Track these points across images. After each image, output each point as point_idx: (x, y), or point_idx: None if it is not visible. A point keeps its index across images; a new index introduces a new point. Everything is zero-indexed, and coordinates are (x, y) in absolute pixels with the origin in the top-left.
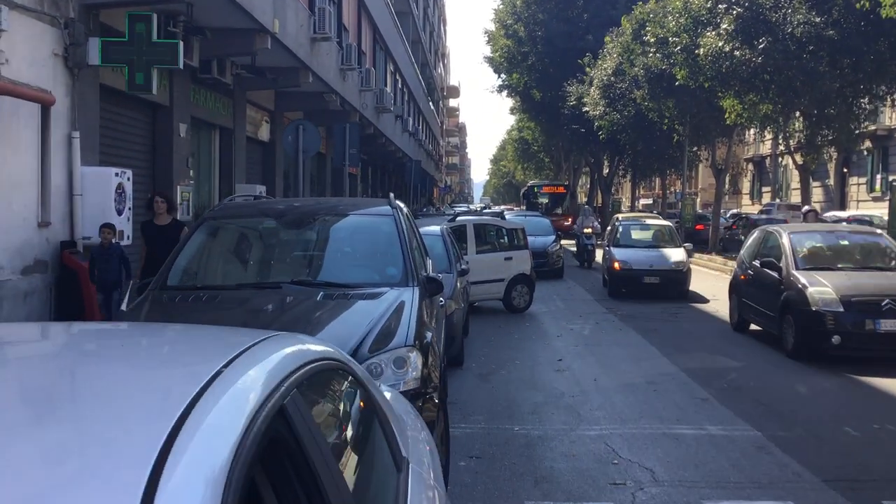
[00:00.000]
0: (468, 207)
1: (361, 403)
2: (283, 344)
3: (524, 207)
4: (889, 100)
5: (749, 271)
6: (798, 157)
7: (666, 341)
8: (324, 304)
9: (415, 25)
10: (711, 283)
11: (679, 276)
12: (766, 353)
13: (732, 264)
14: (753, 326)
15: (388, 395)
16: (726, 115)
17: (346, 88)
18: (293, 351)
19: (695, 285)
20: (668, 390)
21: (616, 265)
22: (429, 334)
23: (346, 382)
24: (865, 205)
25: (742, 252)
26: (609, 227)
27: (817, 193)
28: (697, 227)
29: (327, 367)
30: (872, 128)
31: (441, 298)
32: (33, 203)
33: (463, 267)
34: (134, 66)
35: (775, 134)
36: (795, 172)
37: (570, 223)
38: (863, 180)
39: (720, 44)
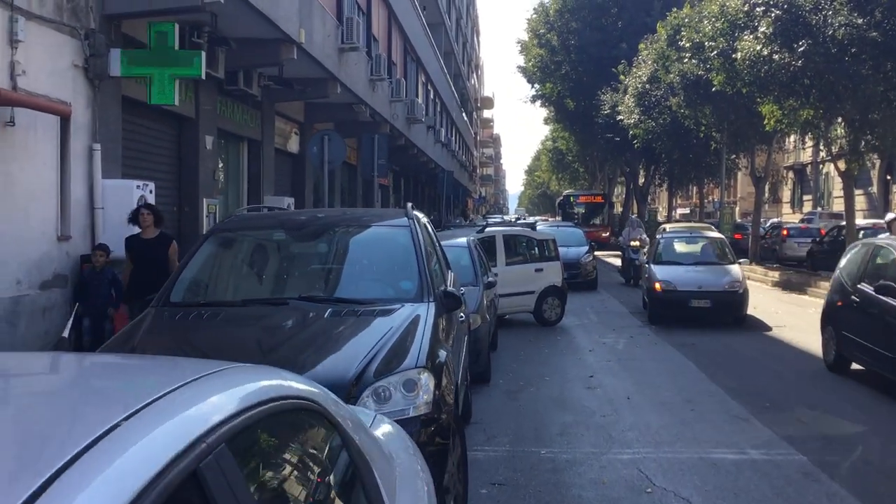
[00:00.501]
0: (502, 218)
1: (333, 450)
2: (225, 382)
3: (560, 218)
4: None
5: (853, 297)
6: (841, 164)
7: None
8: (331, 322)
9: (447, 36)
10: (762, 297)
11: (734, 298)
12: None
13: (773, 275)
14: (855, 365)
15: (382, 430)
16: (765, 122)
17: (376, 99)
18: (237, 391)
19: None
20: (707, 409)
21: (657, 286)
22: (443, 353)
23: (314, 427)
24: None
25: (839, 271)
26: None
27: (860, 201)
28: (736, 236)
29: (287, 408)
30: None
31: (461, 314)
32: (52, 216)
33: (490, 279)
34: (155, 76)
35: (816, 140)
36: (837, 180)
37: (608, 234)
38: None
39: (758, 47)
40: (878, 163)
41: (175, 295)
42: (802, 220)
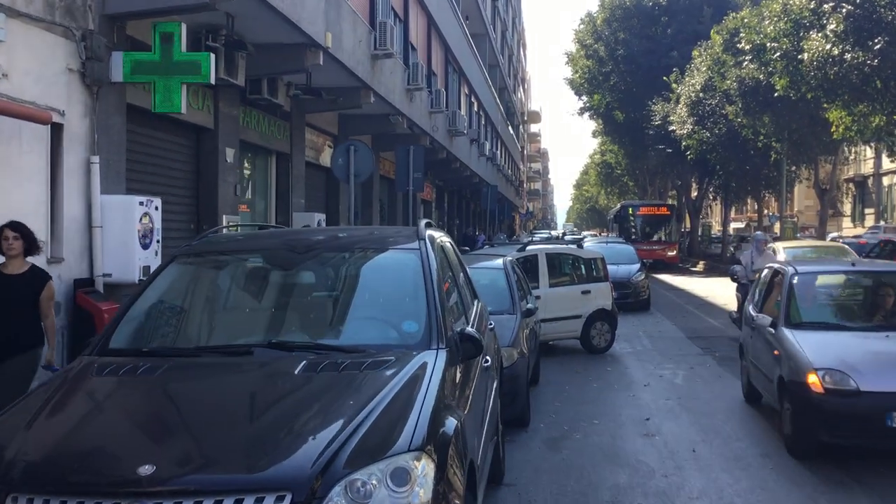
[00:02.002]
0: (549, 234)
1: None
2: None
3: (616, 233)
4: None
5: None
6: None
7: None
8: (301, 381)
9: (492, 49)
10: None
11: None
12: None
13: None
14: None
15: None
16: (833, 129)
17: (414, 110)
18: None
19: None
20: (790, 467)
21: (812, 379)
22: (451, 423)
23: None
24: None
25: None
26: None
27: None
28: None
29: None
30: None
31: (487, 358)
32: (41, 236)
33: (529, 306)
34: (159, 82)
35: (890, 148)
36: None
37: (675, 254)
38: None
39: (828, 47)
40: None
41: (117, 339)
42: (863, 235)
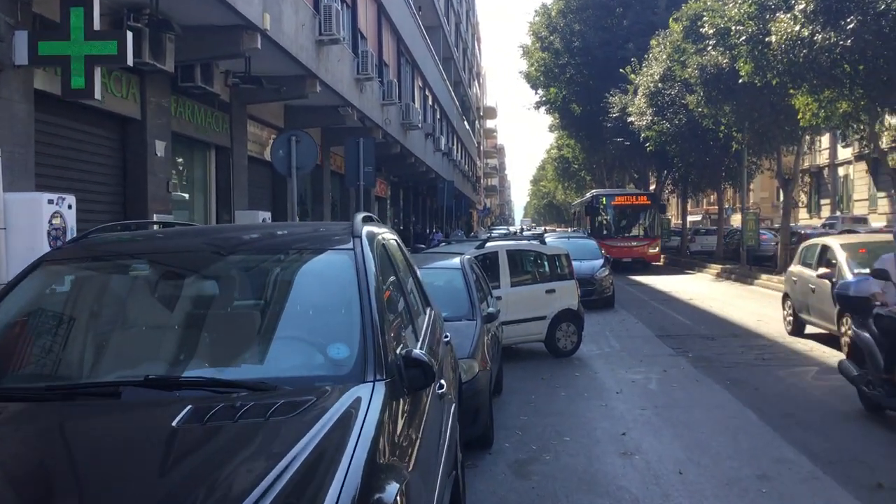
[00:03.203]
0: (507, 230)
1: None
2: None
3: (584, 228)
4: None
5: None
6: (891, 161)
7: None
8: (176, 440)
9: (446, 41)
10: None
11: None
12: None
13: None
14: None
15: None
16: (799, 116)
17: (365, 101)
18: None
19: None
20: (791, 492)
21: None
22: (392, 488)
23: None
24: None
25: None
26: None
27: (882, 204)
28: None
29: None
30: None
31: (442, 382)
32: None
33: (490, 310)
34: (70, 65)
35: (860, 135)
36: (858, 182)
37: (657, 251)
38: None
39: (796, 28)
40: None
41: None
42: (824, 225)
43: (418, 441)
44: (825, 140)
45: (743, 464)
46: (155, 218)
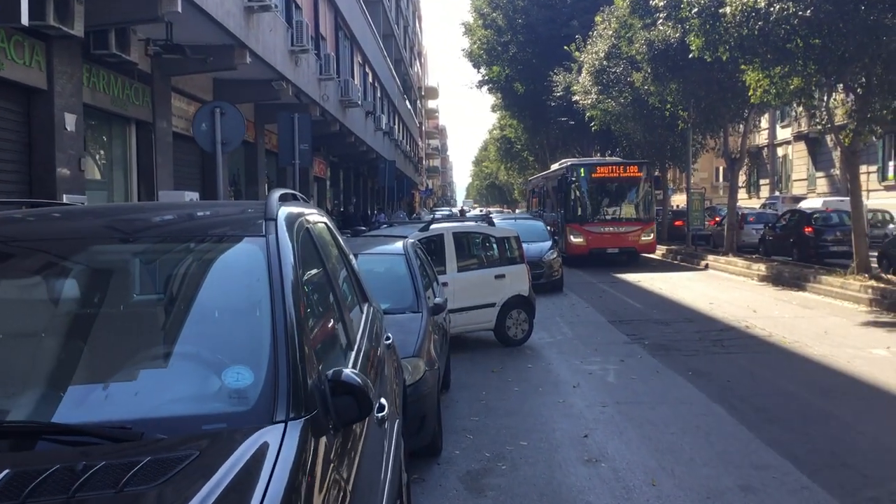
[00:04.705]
0: (450, 211)
1: None
2: None
3: (559, 208)
4: None
5: None
6: (846, 138)
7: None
8: None
9: (386, 18)
10: (756, 297)
11: None
12: None
13: (759, 268)
14: None
15: None
16: (750, 93)
17: (300, 76)
18: None
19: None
20: (778, 501)
21: None
22: None
23: None
24: (877, 195)
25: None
26: None
27: (821, 184)
28: (676, 223)
29: None
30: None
31: (382, 403)
32: None
33: (437, 300)
34: None
35: (810, 112)
36: (797, 162)
37: (651, 238)
38: (873, 168)
39: None
40: (846, 141)
41: None
42: (764, 206)
43: (351, 487)
44: (764, 121)
45: (721, 472)
46: (65, 199)
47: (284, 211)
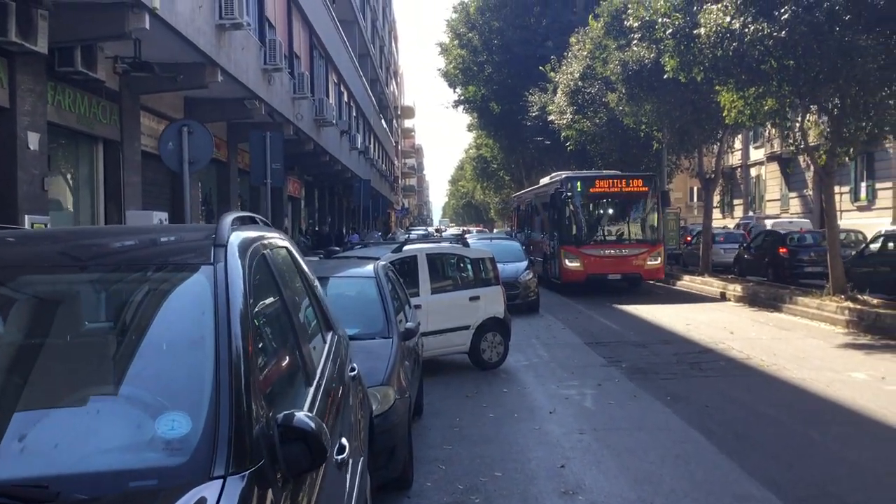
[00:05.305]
0: (426, 230)
1: None
2: None
3: (550, 229)
4: None
5: None
6: (820, 158)
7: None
8: None
9: (362, 37)
10: (734, 318)
11: None
12: None
13: (735, 288)
14: None
15: None
16: (725, 114)
17: (274, 95)
18: None
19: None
20: None
21: None
22: None
23: None
24: (850, 215)
25: None
26: None
27: (794, 204)
28: (687, 238)
29: None
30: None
31: (343, 444)
32: None
33: (409, 325)
34: None
35: (784, 133)
36: (770, 183)
37: (658, 263)
38: (846, 189)
39: (727, 19)
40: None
41: None
42: (738, 226)
43: None
44: (737, 141)
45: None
46: (27, 220)
47: (238, 236)
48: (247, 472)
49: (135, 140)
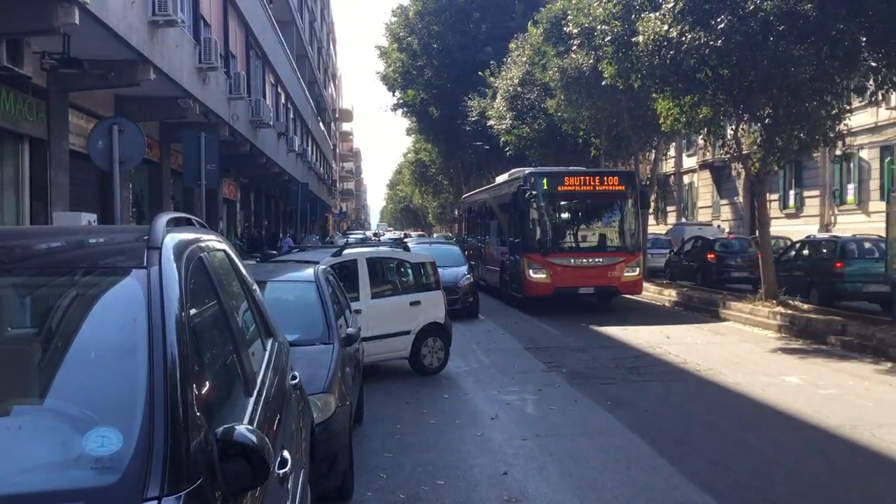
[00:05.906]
0: (364, 235)
1: None
2: None
3: (496, 235)
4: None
5: None
6: (753, 166)
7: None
8: None
9: (300, 38)
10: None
11: None
12: None
13: (670, 293)
14: None
15: None
16: (661, 121)
17: (209, 94)
18: None
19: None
20: None
21: None
22: None
23: None
24: (778, 222)
25: None
26: None
27: (725, 211)
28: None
29: None
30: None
31: (285, 456)
32: None
33: (350, 331)
34: None
35: (716, 141)
36: (702, 190)
37: (636, 274)
38: (775, 196)
39: (664, 28)
40: (744, 172)
41: None
42: (669, 232)
43: None
44: (672, 149)
45: None
46: None
47: (173, 238)
48: (183, 493)
49: (63, 138)
